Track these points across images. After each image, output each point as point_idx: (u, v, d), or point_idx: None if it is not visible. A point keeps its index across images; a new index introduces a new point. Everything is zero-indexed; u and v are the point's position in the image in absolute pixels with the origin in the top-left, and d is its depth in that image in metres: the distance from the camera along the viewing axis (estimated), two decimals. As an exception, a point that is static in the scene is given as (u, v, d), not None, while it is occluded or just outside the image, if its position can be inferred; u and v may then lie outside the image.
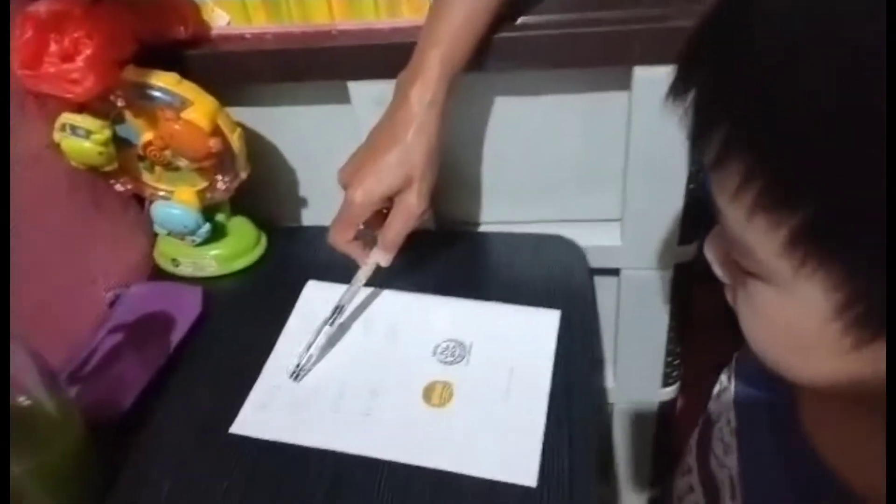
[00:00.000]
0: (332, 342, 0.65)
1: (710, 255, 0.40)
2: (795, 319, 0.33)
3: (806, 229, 0.29)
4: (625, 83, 0.64)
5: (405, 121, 0.57)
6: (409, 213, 0.59)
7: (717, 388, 0.54)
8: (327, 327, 0.63)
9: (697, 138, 0.33)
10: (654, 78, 0.62)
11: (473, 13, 0.57)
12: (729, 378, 0.52)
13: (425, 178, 0.58)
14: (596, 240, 0.75)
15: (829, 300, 0.30)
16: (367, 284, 0.64)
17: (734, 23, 0.31)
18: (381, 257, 0.62)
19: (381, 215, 0.61)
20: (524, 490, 0.53)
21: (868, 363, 0.31)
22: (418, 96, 0.57)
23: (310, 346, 0.63)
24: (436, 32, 0.57)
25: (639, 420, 0.93)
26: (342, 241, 0.62)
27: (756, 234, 0.31)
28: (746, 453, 0.48)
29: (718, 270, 0.39)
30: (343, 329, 0.66)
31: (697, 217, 0.72)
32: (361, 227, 0.62)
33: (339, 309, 0.63)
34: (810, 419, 0.43)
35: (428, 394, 0.60)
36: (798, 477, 0.42)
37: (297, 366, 0.63)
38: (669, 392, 0.89)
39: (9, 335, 0.47)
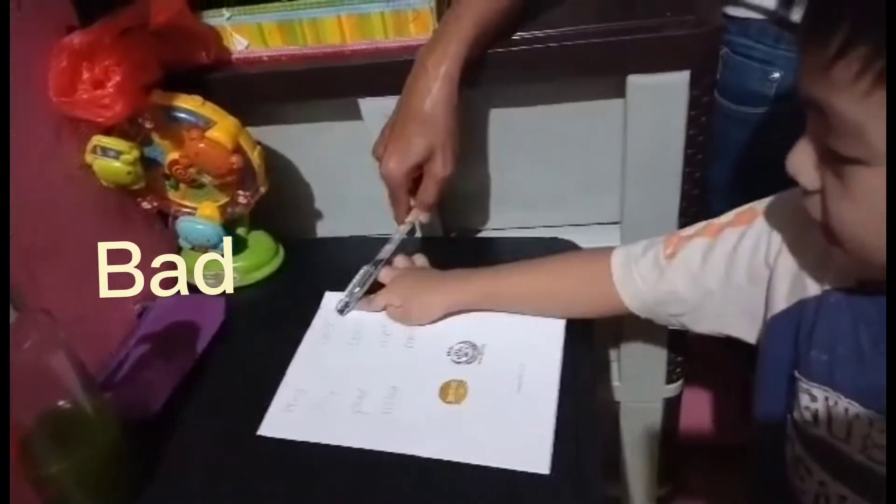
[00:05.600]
0: (353, 348, 0.68)
1: (798, 163, 0.43)
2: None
3: None
4: (620, 91, 0.67)
5: (423, 93, 0.61)
6: (436, 179, 0.64)
7: None
8: (368, 267, 0.72)
9: (816, 42, 0.38)
10: (647, 85, 0.65)
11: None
12: None
13: (448, 146, 0.63)
14: (597, 242, 0.77)
15: None
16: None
17: None
18: (419, 215, 0.70)
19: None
20: (537, 477, 0.55)
21: None
22: (434, 67, 0.60)
23: (353, 287, 0.72)
24: (457, 11, 0.61)
25: (645, 417, 0.94)
26: (403, 215, 0.69)
27: (871, 111, 0.36)
28: None
29: (807, 177, 0.43)
30: (363, 336, 0.70)
31: (694, 217, 0.75)
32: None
33: (380, 262, 0.72)
34: None
35: (444, 392, 0.63)
36: None
37: (346, 303, 0.72)
38: (674, 389, 0.91)
39: (9, 337, 0.49)
